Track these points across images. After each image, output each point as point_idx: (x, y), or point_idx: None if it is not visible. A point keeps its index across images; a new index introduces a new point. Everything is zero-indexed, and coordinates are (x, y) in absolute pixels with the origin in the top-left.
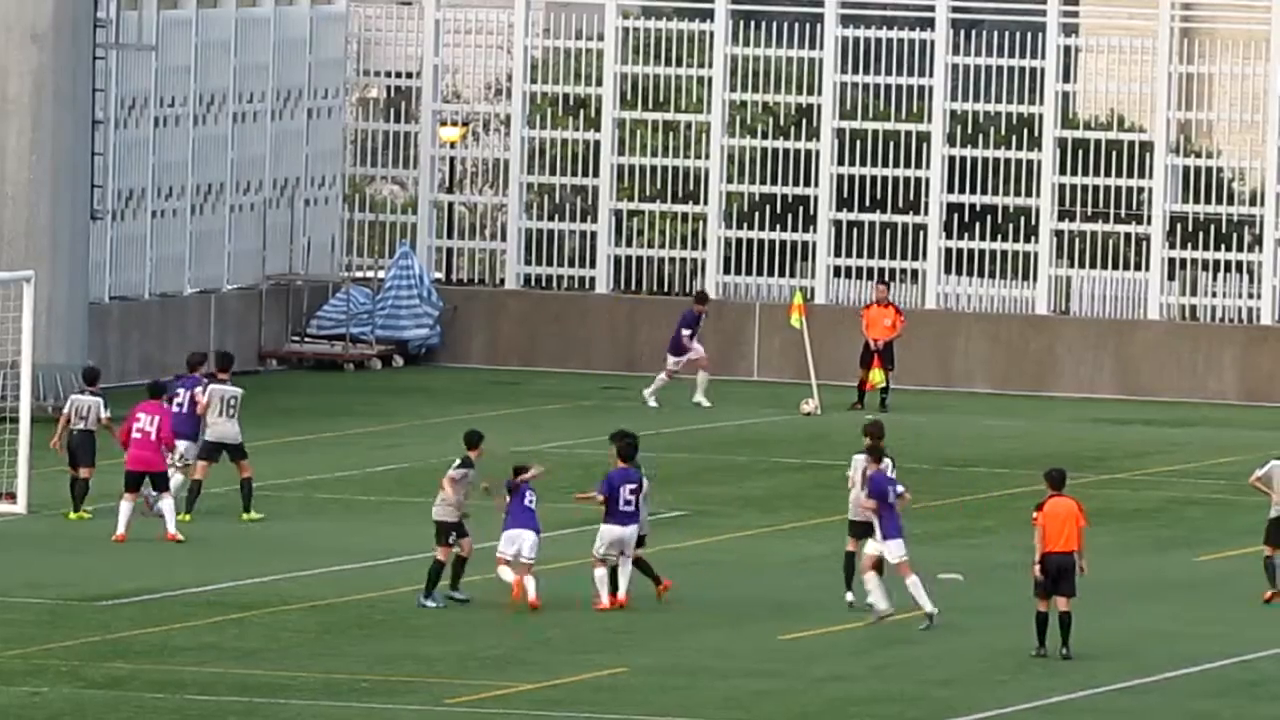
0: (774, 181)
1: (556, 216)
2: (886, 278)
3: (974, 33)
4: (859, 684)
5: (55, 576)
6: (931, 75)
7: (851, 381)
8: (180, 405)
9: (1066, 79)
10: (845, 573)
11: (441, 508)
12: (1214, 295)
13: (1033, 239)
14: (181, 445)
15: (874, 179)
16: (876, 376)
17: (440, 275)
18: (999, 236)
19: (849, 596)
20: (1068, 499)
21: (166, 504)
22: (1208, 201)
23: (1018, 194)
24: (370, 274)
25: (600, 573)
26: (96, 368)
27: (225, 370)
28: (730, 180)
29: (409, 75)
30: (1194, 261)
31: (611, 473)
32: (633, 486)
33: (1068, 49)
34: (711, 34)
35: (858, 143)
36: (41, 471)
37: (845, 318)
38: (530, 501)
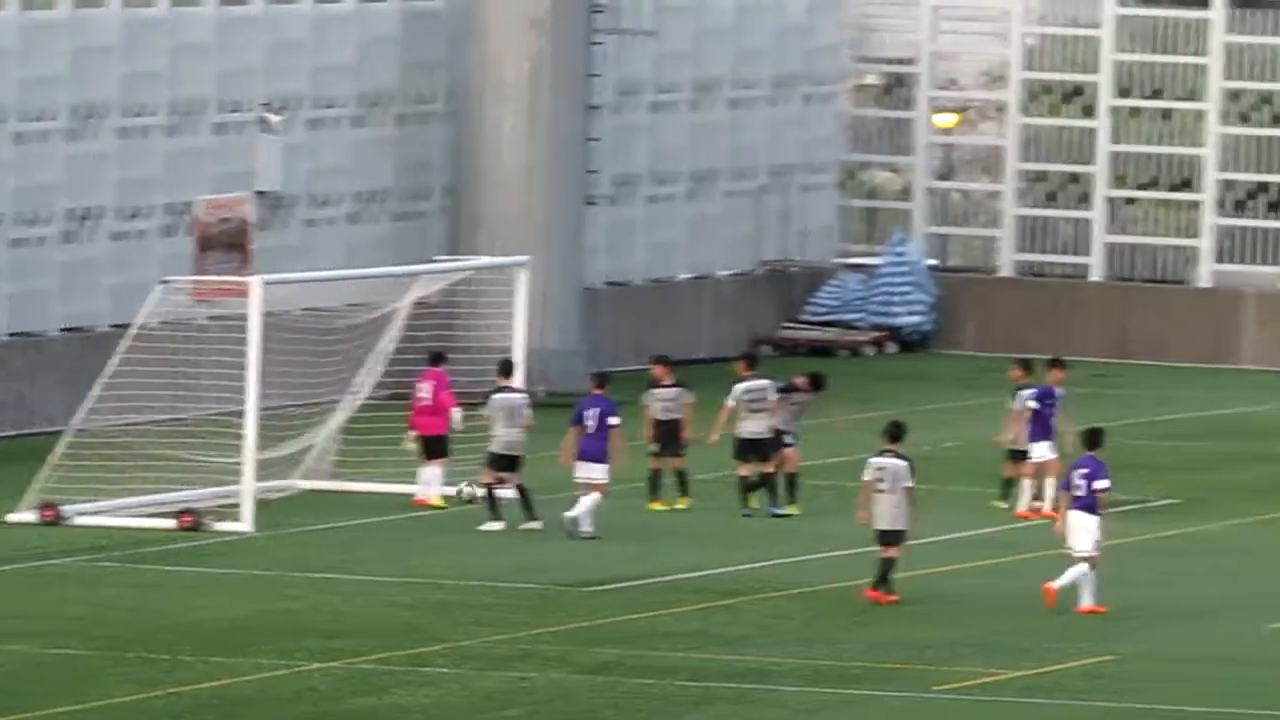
0: (1270, 170)
1: (1051, 204)
2: None
3: None
4: None
5: (545, 561)
6: None
7: None
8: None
9: None
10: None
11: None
12: None
13: None
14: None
15: None
16: None
17: (935, 261)
18: None
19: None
20: None
21: (433, 472)
22: None
23: None
24: (865, 260)
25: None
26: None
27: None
28: (1225, 168)
29: (905, 62)
30: None
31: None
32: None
33: None
34: (1209, 21)
35: None
36: (531, 456)
37: None
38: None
